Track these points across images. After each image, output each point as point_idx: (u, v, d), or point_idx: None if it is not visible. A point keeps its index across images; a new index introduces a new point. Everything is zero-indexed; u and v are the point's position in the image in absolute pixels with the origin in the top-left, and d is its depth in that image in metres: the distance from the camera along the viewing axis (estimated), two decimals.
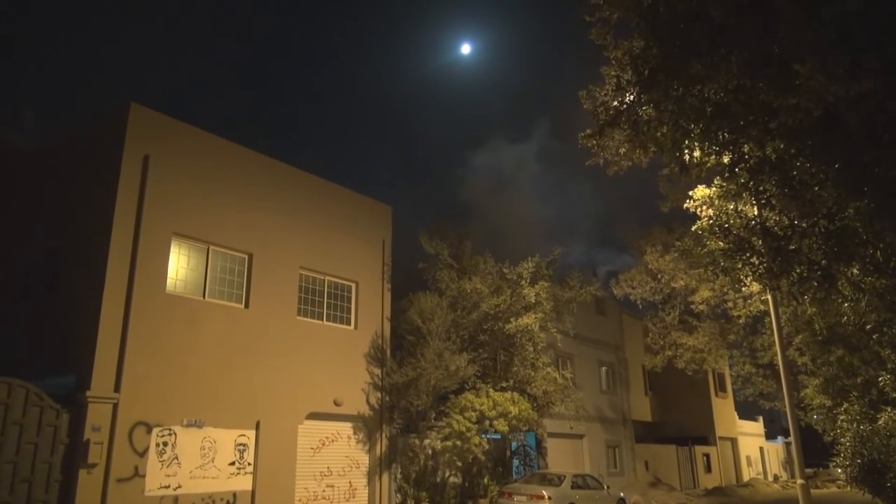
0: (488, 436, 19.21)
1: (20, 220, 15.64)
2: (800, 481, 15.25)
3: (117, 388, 12.68)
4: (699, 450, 36.59)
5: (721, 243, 10.71)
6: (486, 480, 19.88)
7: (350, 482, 17.35)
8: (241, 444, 14.69)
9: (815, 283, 9.68)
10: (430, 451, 19.26)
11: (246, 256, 15.84)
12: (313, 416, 16.57)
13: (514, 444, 22.31)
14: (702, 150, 9.19)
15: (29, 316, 14.40)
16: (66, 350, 13.06)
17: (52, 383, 12.32)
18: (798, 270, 9.67)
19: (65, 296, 13.86)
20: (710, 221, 11.24)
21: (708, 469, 37.02)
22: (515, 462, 22.49)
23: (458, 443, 17.91)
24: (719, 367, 31.49)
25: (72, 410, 12.19)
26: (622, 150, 9.77)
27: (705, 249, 11.56)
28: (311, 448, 16.53)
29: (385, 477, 18.13)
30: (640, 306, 26.83)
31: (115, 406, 12.57)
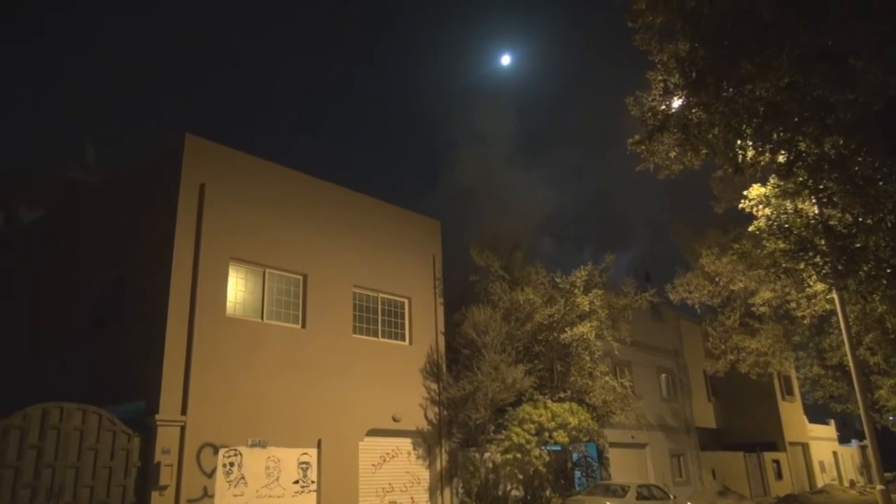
0: (548, 448, 19.00)
1: (87, 252, 16.30)
2: (879, 487, 14.59)
3: (184, 412, 13.06)
4: (768, 456, 35.35)
5: (781, 244, 10.40)
6: (548, 493, 19.64)
7: (412, 498, 17.38)
8: (304, 463, 14.91)
9: (885, 281, 9.31)
10: (490, 465, 19.16)
11: (301, 277, 16.15)
12: (373, 432, 16.72)
13: (575, 456, 22.00)
14: (756, 149, 8.98)
15: (98, 344, 14.97)
16: (134, 376, 13.52)
17: (122, 409, 12.76)
18: (865, 268, 9.32)
19: (131, 323, 14.37)
20: (769, 221, 10.93)
21: (779, 476, 35.71)
22: (577, 473, 22.17)
23: (519, 455, 17.77)
24: (785, 369, 30.45)
25: (142, 434, 12.61)
26: (672, 154, 9.63)
27: (765, 251, 11.24)
28: (373, 465, 16.66)
29: (447, 492, 18.12)
30: (699, 311, 26.22)
31: (183, 429, 12.95)
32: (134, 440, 12.47)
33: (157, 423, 12.65)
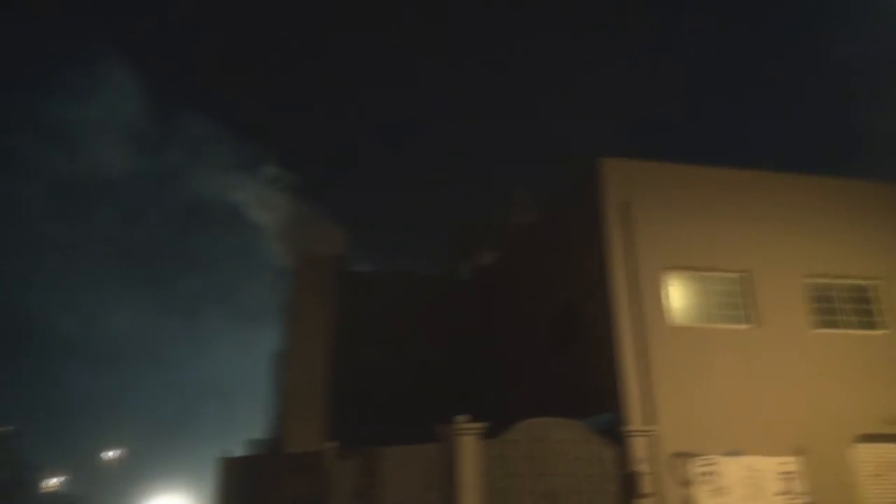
0: None
1: (539, 283, 18.22)
2: None
3: (651, 422, 13.39)
4: None
5: None
6: None
7: None
8: (786, 473, 13.75)
9: None
10: None
11: (743, 275, 15.24)
12: (864, 437, 14.50)
13: None
14: None
15: (562, 363, 16.52)
16: (597, 390, 14.45)
17: (593, 421, 13.72)
18: None
19: (585, 342, 15.48)
20: None
21: None
22: None
23: None
24: None
25: (617, 445, 13.31)
26: None
27: None
28: (871, 475, 14.43)
29: None
30: None
31: (654, 438, 13.26)
32: (611, 451, 13.24)
33: (629, 433, 13.21)
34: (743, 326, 14.97)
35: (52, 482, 57.07)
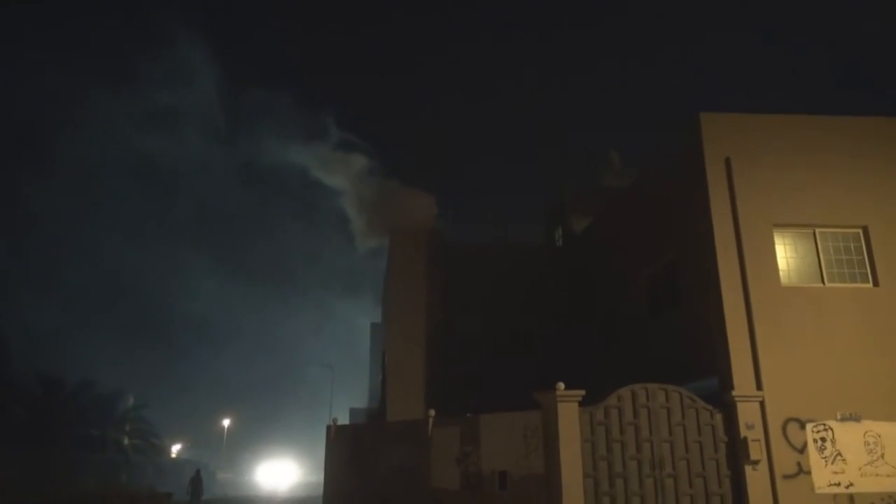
0: None
1: (636, 246, 17.74)
2: None
3: (759, 386, 12.89)
4: None
5: None
6: None
7: None
8: None
9: None
10: None
11: (859, 231, 14.28)
12: None
13: None
14: None
15: (661, 328, 16.10)
16: (701, 354, 14.02)
17: (696, 386, 13.34)
18: None
19: (688, 305, 15.00)
20: None
21: None
22: None
23: None
24: None
25: (723, 410, 12.91)
26: None
27: None
28: None
29: None
30: None
31: (762, 404, 12.78)
32: (716, 416, 12.87)
33: (735, 398, 12.78)
34: (863, 285, 14.08)
35: (175, 448, 61.74)
